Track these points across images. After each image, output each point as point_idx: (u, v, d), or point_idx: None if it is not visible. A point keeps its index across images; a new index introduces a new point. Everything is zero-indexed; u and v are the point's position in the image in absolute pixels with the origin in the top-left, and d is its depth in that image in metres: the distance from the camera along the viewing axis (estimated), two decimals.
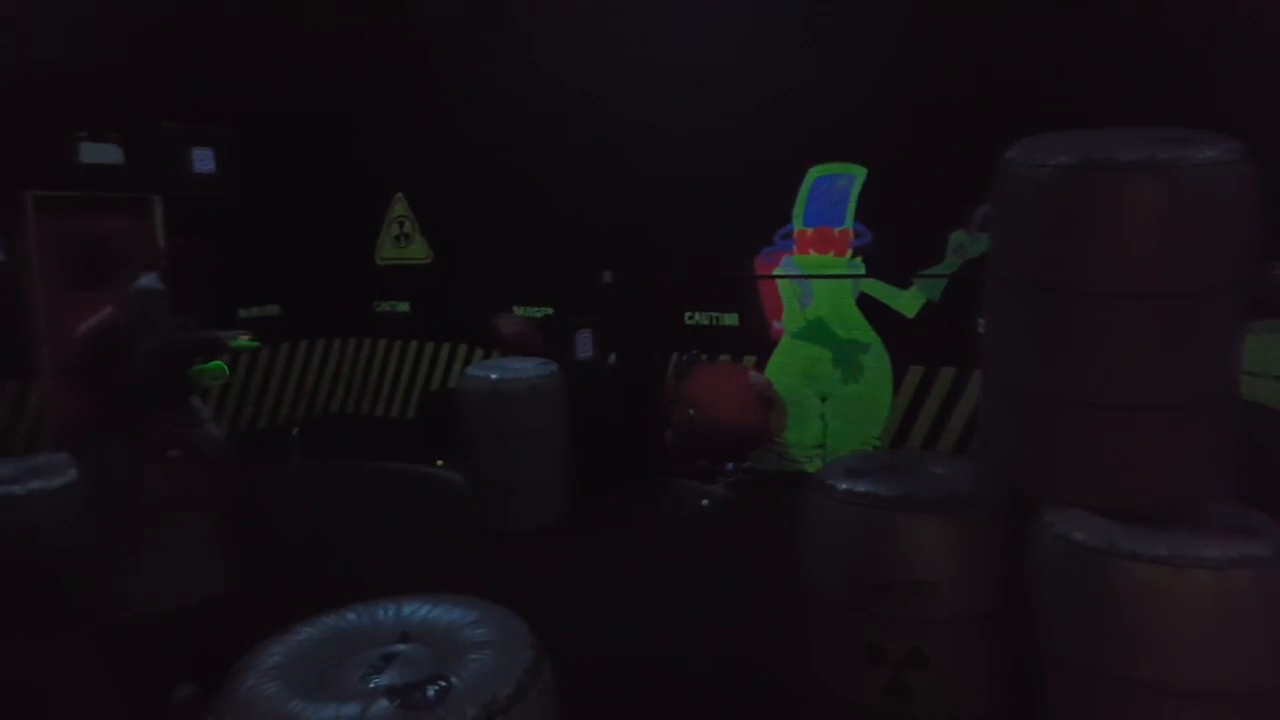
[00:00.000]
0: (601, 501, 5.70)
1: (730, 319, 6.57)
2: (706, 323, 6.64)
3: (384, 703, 1.67)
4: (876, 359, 5.98)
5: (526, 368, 5.63)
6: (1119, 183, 2.54)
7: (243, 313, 8.08)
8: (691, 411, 5.93)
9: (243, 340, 4.15)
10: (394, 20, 8.00)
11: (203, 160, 7.66)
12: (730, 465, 5.96)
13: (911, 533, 2.87)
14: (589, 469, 5.71)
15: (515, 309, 7.68)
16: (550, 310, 7.52)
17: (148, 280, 4.24)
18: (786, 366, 6.28)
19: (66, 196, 6.77)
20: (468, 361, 7.92)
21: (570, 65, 6.98)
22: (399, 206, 8.42)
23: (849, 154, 5.92)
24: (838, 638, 3.02)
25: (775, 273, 6.29)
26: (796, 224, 6.17)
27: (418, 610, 2.08)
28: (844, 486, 2.98)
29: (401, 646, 1.95)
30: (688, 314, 6.61)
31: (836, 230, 6.02)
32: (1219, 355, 2.67)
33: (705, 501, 5.75)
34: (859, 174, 5.91)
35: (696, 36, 6.39)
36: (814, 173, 6.06)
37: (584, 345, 6.59)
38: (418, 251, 8.35)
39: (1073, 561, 2.51)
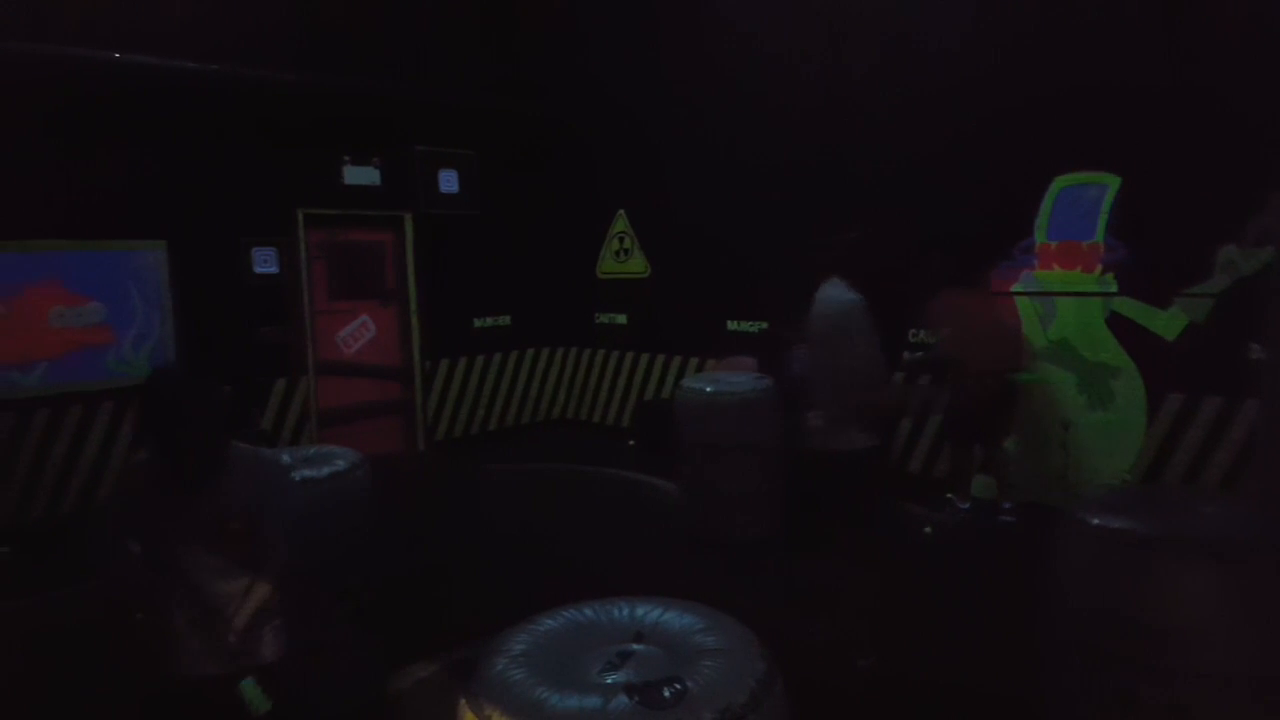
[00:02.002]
0: (816, 519, 5.58)
1: None
2: (934, 340, 6.34)
3: (623, 699, 1.72)
4: (1129, 384, 5.45)
5: (741, 381, 5.64)
6: None
7: (477, 322, 8.69)
8: (943, 334, 5.57)
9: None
10: (617, 49, 8.32)
11: (447, 181, 8.34)
12: (964, 506, 5.62)
13: (1178, 576, 2.60)
14: (803, 485, 5.62)
15: (729, 323, 7.73)
16: (764, 324, 7.51)
17: (836, 290, 3.99)
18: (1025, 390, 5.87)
19: (331, 215, 7.58)
20: (681, 373, 8.06)
21: (791, 72, 6.95)
22: (620, 223, 8.72)
23: (1100, 162, 5.46)
24: (1087, 682, 2.78)
25: (1013, 289, 5.90)
26: (1039, 237, 5.75)
27: (650, 612, 2.13)
28: (1098, 521, 2.74)
29: (636, 646, 2.00)
30: (912, 331, 6.34)
31: (1085, 244, 5.56)
32: None
33: (929, 529, 5.49)
34: (1111, 183, 5.44)
35: (927, 38, 6.16)
36: (1059, 183, 5.64)
37: (799, 360, 6.50)
38: (636, 266, 8.60)
39: None
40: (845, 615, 4.17)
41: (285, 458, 3.59)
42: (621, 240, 8.72)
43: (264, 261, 7.13)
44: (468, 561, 5.21)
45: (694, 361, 8.08)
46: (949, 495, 5.71)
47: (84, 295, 6.21)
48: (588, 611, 2.13)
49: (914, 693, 3.55)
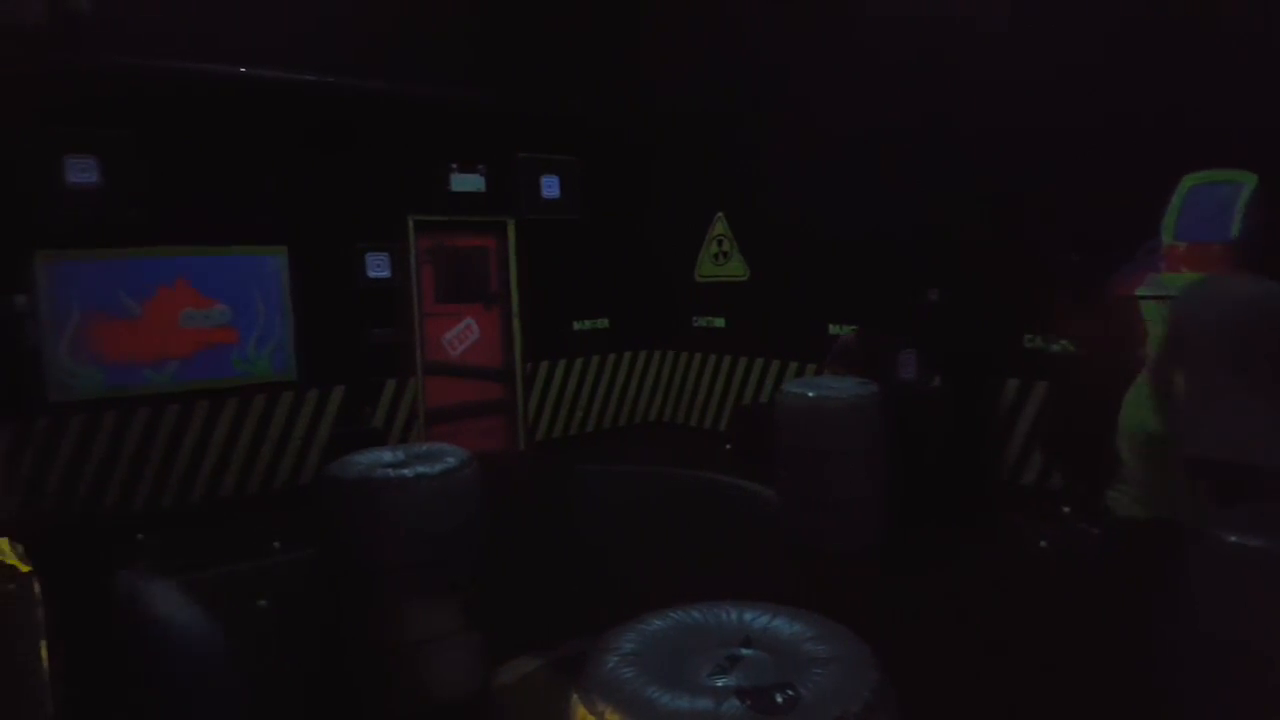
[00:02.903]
0: (922, 531, 5.44)
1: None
2: (1050, 346, 6.08)
3: (735, 702, 1.71)
4: None
5: (845, 386, 5.54)
6: None
7: (577, 325, 8.80)
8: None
9: None
10: (713, 54, 8.30)
11: (550, 186, 8.49)
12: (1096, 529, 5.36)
13: None
14: (909, 495, 5.48)
15: (831, 327, 7.61)
16: (854, 328, 7.34)
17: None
18: (1147, 401, 5.55)
19: (439, 220, 7.82)
20: (780, 377, 7.97)
21: (894, 69, 6.79)
22: (719, 226, 8.70)
23: (1233, 158, 5.14)
24: (1215, 711, 2.62)
25: (1139, 292, 5.59)
26: (1166, 238, 5.44)
27: (758, 617, 2.11)
28: (1234, 539, 2.58)
29: (745, 650, 1.98)
30: (1028, 337, 6.09)
31: (1217, 245, 5.24)
32: None
33: (1043, 543, 5.27)
34: (1247, 181, 5.11)
35: (1046, 27, 5.91)
36: (1189, 180, 5.33)
37: (907, 366, 6.36)
38: (735, 269, 8.56)
39: None
40: (959, 629, 4.05)
41: (398, 455, 3.71)
42: (720, 243, 8.69)
43: (377, 266, 7.41)
44: (569, 559, 5.28)
45: (793, 365, 7.99)
46: (1065, 509, 5.47)
47: (212, 298, 6.57)
48: (695, 614, 2.12)
49: (1028, 712, 3.41)
